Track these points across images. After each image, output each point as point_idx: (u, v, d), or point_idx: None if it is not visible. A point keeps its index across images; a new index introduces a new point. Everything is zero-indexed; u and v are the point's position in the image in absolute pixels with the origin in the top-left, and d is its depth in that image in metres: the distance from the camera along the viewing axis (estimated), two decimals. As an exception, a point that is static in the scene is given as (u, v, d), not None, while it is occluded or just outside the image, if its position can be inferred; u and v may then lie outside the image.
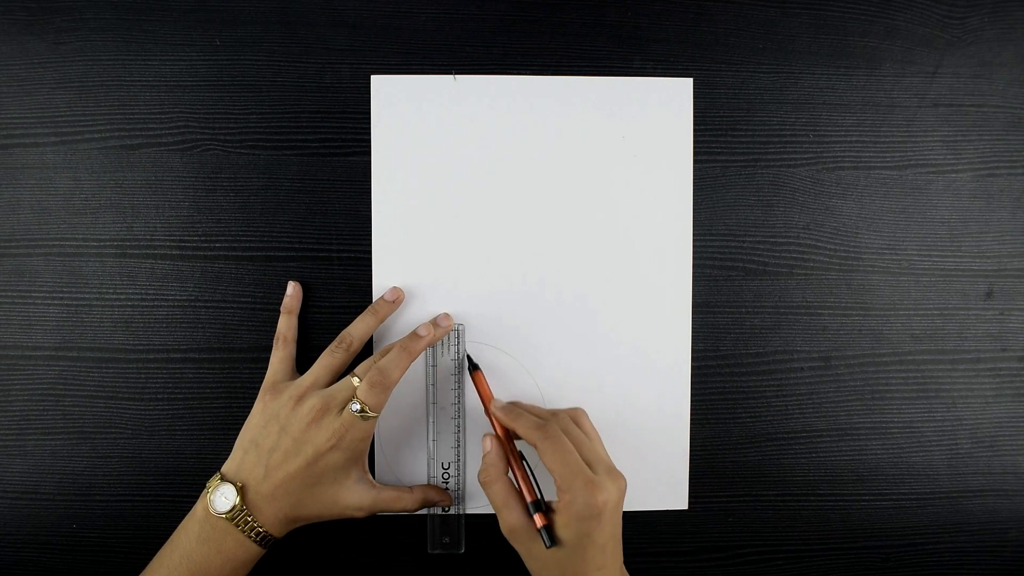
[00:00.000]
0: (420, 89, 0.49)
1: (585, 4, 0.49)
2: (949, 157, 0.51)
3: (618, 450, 0.49)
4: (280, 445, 0.43)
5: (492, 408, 0.46)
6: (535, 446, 0.42)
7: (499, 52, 0.49)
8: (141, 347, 0.49)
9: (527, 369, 0.49)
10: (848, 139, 0.50)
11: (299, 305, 0.49)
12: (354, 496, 0.44)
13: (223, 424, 0.49)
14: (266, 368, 0.48)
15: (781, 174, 0.50)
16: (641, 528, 0.50)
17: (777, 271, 0.50)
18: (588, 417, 0.46)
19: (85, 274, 0.49)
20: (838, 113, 0.50)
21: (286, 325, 0.48)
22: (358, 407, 0.42)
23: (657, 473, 0.49)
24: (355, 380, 0.44)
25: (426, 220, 0.49)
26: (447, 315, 0.48)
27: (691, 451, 0.50)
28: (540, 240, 0.49)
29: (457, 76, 0.48)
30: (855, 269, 0.50)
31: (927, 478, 0.51)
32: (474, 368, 0.47)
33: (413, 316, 0.49)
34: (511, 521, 0.42)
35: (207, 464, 0.49)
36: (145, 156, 0.49)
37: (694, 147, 0.50)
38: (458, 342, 0.48)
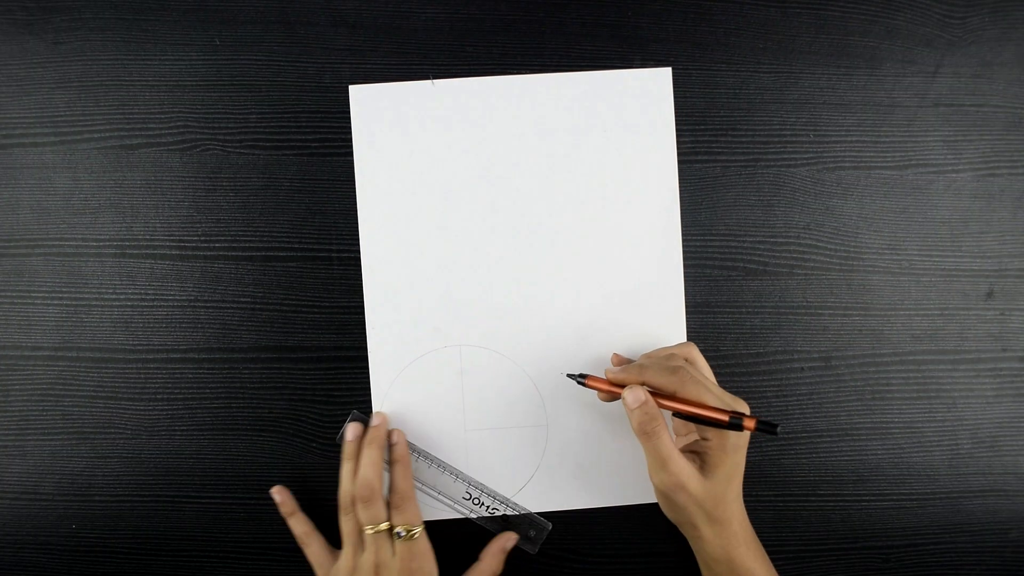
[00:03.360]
0: (399, 96, 0.49)
1: (585, 4, 0.49)
2: (950, 157, 0.51)
3: (620, 443, 0.49)
4: None
5: (614, 375, 0.44)
6: (673, 393, 0.42)
7: (499, 52, 0.49)
8: (141, 347, 0.49)
9: (523, 369, 0.49)
10: (848, 139, 0.50)
11: (295, 503, 0.48)
12: None
13: (223, 424, 0.49)
14: (266, 370, 0.48)
15: (781, 174, 0.50)
16: (641, 528, 0.49)
17: (777, 271, 0.50)
18: (698, 349, 0.46)
19: (84, 274, 0.49)
20: (838, 113, 0.50)
21: (298, 524, 0.47)
22: (402, 531, 0.44)
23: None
24: (369, 530, 0.44)
25: (413, 226, 0.49)
26: (377, 413, 0.48)
27: (691, 451, 0.50)
28: (530, 239, 0.49)
29: (435, 80, 0.48)
30: (855, 269, 0.50)
31: (928, 478, 0.50)
32: (583, 378, 0.46)
33: (411, 319, 0.49)
34: (676, 470, 0.41)
35: (206, 464, 0.49)
36: (145, 156, 0.49)
37: (697, 146, 0.50)
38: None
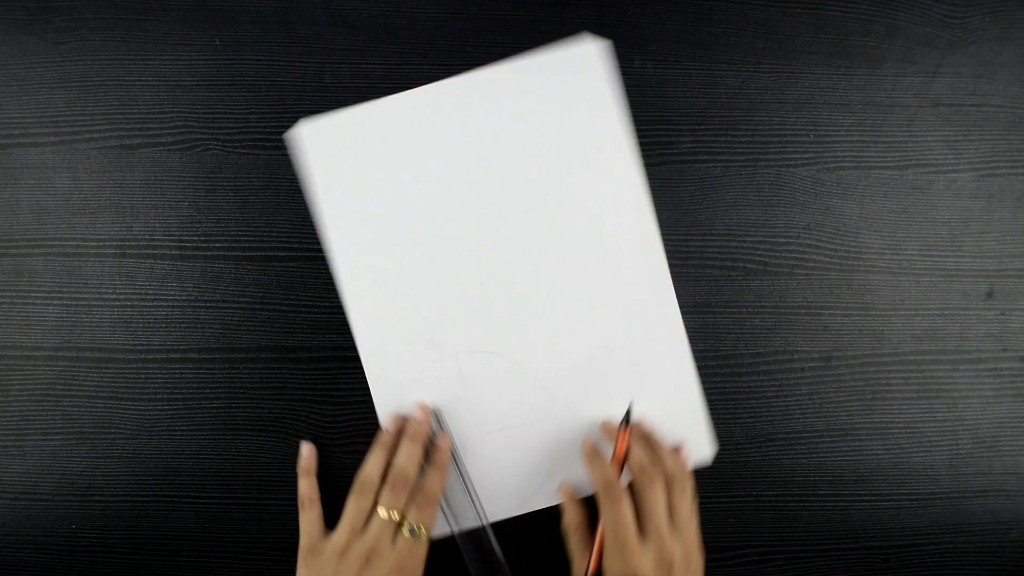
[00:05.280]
0: (346, 124, 0.48)
1: (585, 4, 0.49)
2: (950, 157, 0.51)
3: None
4: None
5: (581, 445, 0.47)
6: (597, 500, 0.44)
7: (499, 52, 0.49)
8: (141, 347, 0.49)
9: (523, 365, 0.49)
10: (849, 139, 0.50)
11: (316, 465, 0.48)
12: None
13: (223, 424, 0.49)
14: (266, 370, 0.48)
15: (782, 174, 0.50)
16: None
17: (778, 271, 0.50)
18: (690, 481, 0.46)
19: (84, 274, 0.49)
20: (839, 113, 0.50)
21: (308, 486, 0.47)
22: (415, 528, 0.43)
23: (674, 431, 0.49)
24: (382, 511, 0.44)
25: (390, 249, 0.48)
26: (421, 406, 0.48)
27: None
28: (508, 241, 0.49)
29: (371, 102, 0.48)
30: (856, 269, 0.50)
31: (928, 478, 0.50)
32: (627, 422, 0.47)
33: (403, 340, 0.49)
34: (576, 574, 0.45)
35: (206, 464, 0.49)
36: (144, 156, 0.49)
37: (697, 146, 0.50)
38: (439, 423, 0.48)
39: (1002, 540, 0.51)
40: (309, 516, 0.46)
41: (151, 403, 0.49)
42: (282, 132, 0.49)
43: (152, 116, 0.49)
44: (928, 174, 0.50)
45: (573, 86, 0.49)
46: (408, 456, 0.46)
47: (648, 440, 0.47)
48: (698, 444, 0.49)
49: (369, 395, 0.49)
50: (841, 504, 0.50)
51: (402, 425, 0.48)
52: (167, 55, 0.49)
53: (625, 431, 0.46)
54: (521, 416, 0.49)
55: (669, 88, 0.50)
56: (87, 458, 0.49)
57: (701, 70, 0.50)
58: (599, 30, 0.49)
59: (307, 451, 0.48)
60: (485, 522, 0.48)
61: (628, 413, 0.47)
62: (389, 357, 0.49)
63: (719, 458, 0.50)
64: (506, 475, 0.49)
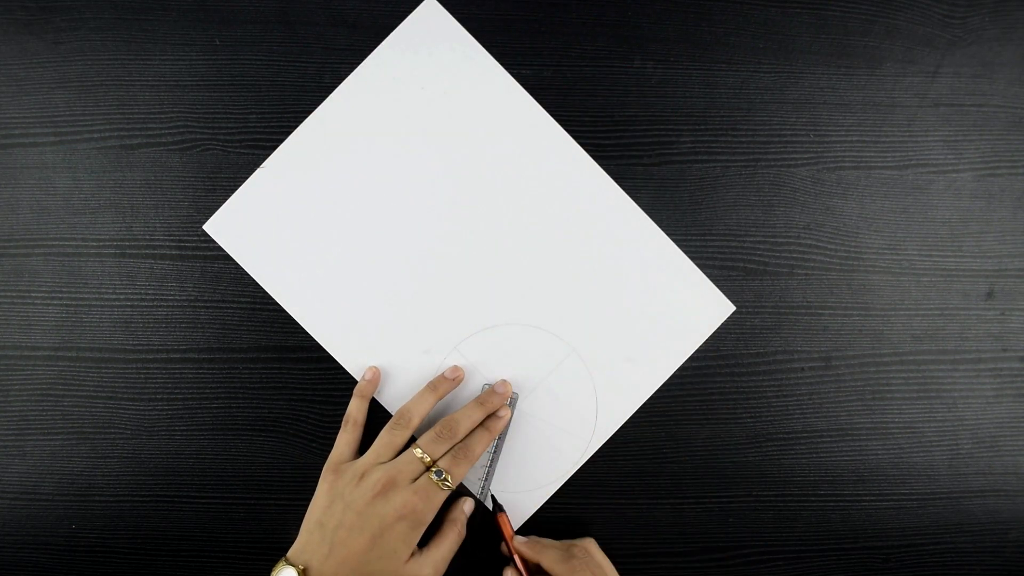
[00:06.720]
0: (249, 197, 0.48)
1: (585, 3, 0.49)
2: (950, 157, 0.51)
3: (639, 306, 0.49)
4: (344, 521, 0.42)
5: (516, 544, 0.46)
6: None
7: (498, 52, 0.49)
8: (140, 347, 0.49)
9: (519, 323, 0.49)
10: (849, 139, 0.50)
11: (375, 391, 0.48)
12: (415, 567, 0.43)
13: (222, 424, 0.49)
14: (266, 370, 0.48)
15: (781, 174, 0.50)
16: (641, 528, 0.50)
17: (777, 271, 0.50)
18: (597, 546, 0.47)
19: (84, 274, 0.49)
20: (839, 113, 0.50)
21: (358, 408, 0.47)
22: (443, 475, 0.43)
23: (688, 305, 0.50)
24: (417, 451, 0.44)
25: (341, 291, 0.49)
26: (505, 381, 0.48)
27: (691, 452, 0.50)
28: (452, 228, 0.49)
29: (264, 164, 0.48)
30: (856, 269, 0.50)
31: (928, 478, 0.50)
32: (499, 509, 0.47)
33: (399, 361, 0.49)
34: None
35: (206, 464, 0.49)
36: (144, 156, 0.49)
37: (697, 146, 0.50)
38: (511, 404, 0.49)
39: (1002, 540, 0.51)
40: (346, 437, 0.47)
41: (151, 403, 0.49)
42: (282, 132, 0.49)
43: (152, 116, 0.49)
44: (928, 174, 0.50)
45: (437, 50, 0.49)
46: (468, 416, 0.46)
47: (534, 540, 0.47)
48: (717, 307, 0.49)
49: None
50: (841, 504, 0.50)
51: (459, 376, 0.48)
52: (167, 55, 0.49)
53: (502, 516, 0.47)
54: (544, 367, 0.49)
55: (669, 88, 0.50)
56: (87, 458, 0.49)
57: (701, 70, 0.50)
58: (599, 30, 0.49)
59: (370, 374, 0.48)
60: (481, 499, 0.48)
61: (493, 501, 0.48)
62: (395, 383, 0.49)
63: (719, 458, 0.50)
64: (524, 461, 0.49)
